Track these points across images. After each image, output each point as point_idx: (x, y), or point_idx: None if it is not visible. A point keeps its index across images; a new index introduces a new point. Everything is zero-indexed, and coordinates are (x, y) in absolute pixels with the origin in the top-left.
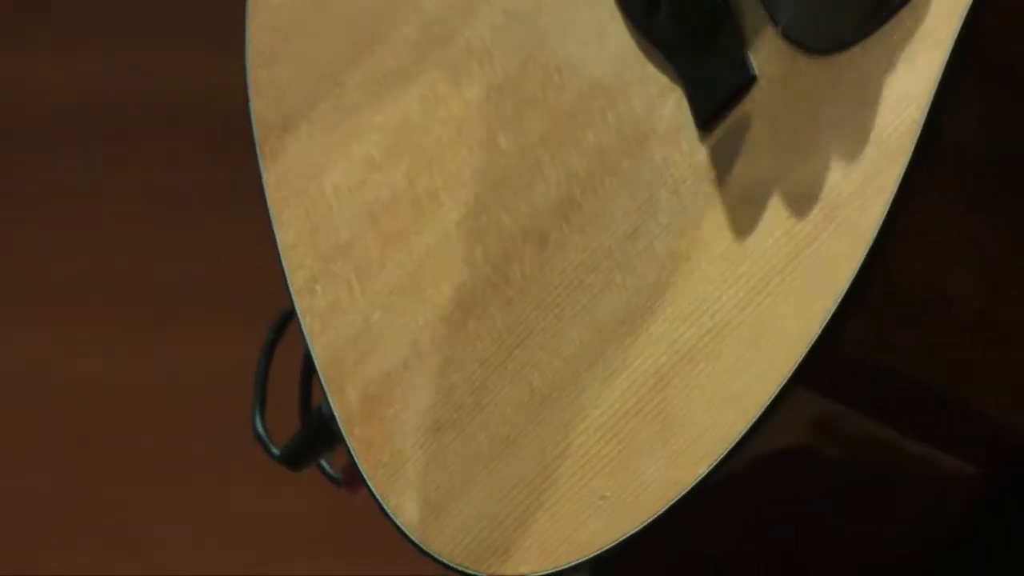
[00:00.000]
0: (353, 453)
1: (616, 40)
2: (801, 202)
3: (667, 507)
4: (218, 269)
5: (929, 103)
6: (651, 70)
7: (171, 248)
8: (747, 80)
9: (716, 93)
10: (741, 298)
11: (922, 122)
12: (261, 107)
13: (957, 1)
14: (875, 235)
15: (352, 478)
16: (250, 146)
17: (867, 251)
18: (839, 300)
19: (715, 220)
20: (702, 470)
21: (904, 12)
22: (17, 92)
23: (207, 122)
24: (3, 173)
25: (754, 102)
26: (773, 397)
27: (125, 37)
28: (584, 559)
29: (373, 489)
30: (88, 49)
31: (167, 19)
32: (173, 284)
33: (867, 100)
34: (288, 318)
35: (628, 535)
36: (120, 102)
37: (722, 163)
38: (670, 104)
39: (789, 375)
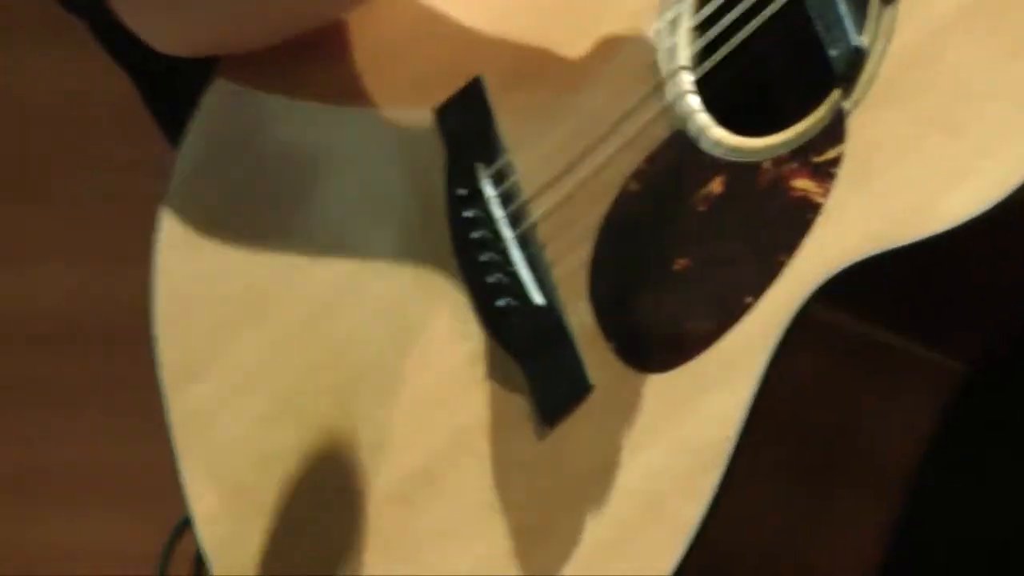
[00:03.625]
0: None
1: (477, 343)
2: (629, 495)
3: None
4: None
5: (742, 424)
6: (511, 368)
7: None
8: (585, 389)
9: (558, 400)
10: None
11: (735, 440)
12: (167, 358)
13: (766, 336)
14: (696, 529)
15: None
16: None
17: (688, 543)
18: None
19: (556, 502)
20: None
21: (721, 342)
22: None
23: None
24: None
25: (590, 405)
26: None
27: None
28: None
29: None
30: None
31: None
32: None
33: (685, 415)
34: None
35: None
36: None
37: (560, 455)
38: (519, 401)
39: None
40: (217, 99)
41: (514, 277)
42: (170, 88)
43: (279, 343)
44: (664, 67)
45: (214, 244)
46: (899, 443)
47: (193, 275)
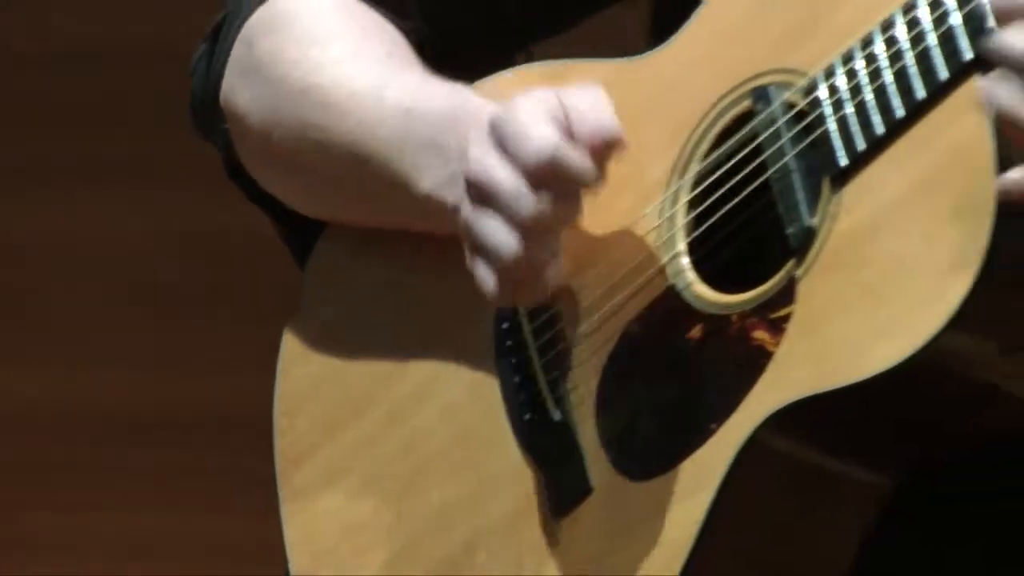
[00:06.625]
0: None
1: (510, 446)
2: None
3: None
4: None
5: (706, 514)
6: (526, 471)
7: None
8: (586, 491)
9: (566, 497)
10: None
11: (701, 524)
12: (283, 444)
13: (723, 456)
14: None
15: None
16: None
17: None
18: None
19: None
20: None
21: (699, 452)
22: None
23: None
24: None
25: (592, 504)
26: None
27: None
28: None
29: None
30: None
31: None
32: None
33: (664, 515)
34: None
35: None
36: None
37: (566, 542)
38: (537, 496)
39: None
40: (330, 248)
41: (538, 396)
42: (299, 225)
43: (369, 435)
44: (664, 233)
45: (324, 356)
46: (833, 545)
47: (305, 380)
